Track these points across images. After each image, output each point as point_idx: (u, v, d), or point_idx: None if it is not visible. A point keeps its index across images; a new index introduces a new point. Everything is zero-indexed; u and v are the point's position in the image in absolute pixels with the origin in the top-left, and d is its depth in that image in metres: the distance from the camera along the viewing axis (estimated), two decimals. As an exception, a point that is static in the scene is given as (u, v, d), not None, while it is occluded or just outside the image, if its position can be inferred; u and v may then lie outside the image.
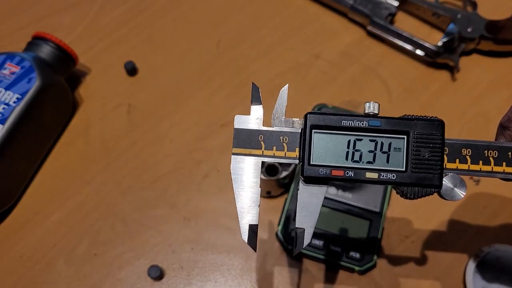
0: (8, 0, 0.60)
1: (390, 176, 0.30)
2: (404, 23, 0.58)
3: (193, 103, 0.54)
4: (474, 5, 0.56)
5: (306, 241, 0.30)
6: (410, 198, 0.31)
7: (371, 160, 0.30)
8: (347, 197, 0.45)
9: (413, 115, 0.31)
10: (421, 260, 0.45)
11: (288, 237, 0.45)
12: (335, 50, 0.56)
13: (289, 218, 0.46)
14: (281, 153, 0.31)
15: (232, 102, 0.53)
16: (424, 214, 0.47)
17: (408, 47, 0.55)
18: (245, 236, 0.31)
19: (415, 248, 0.46)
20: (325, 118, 0.30)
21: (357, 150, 0.30)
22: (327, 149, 0.30)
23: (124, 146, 0.51)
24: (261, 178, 0.44)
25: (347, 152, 0.30)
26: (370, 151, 0.30)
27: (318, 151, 0.30)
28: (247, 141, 0.31)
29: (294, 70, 0.55)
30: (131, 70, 0.55)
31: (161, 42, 0.57)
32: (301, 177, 0.31)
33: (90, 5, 0.60)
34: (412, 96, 0.53)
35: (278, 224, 0.46)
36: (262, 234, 0.47)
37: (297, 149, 0.31)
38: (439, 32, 0.57)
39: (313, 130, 0.30)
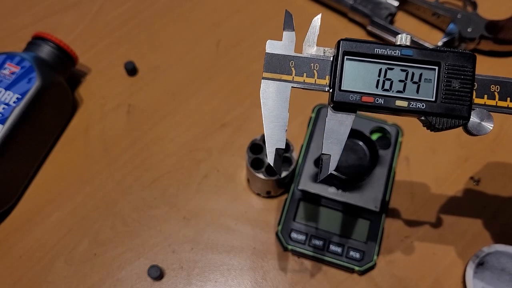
0: (8, 0, 0.60)
1: (420, 105, 0.30)
2: (404, 23, 0.58)
3: (193, 103, 0.54)
4: (474, 5, 0.56)
5: (331, 168, 0.30)
6: (438, 129, 0.30)
7: (401, 90, 0.30)
8: (347, 197, 0.45)
9: (445, 47, 0.31)
10: (421, 260, 0.45)
11: (288, 237, 0.45)
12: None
13: (289, 218, 0.46)
14: (311, 80, 0.31)
15: (232, 102, 0.53)
16: (424, 214, 0.47)
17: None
18: (271, 159, 0.31)
19: (415, 248, 0.46)
20: (358, 45, 0.31)
21: (388, 79, 0.30)
22: (358, 76, 0.30)
23: (124, 146, 0.51)
24: (261, 178, 0.45)
25: (378, 81, 0.30)
26: (401, 81, 0.30)
27: (349, 78, 0.30)
28: (277, 66, 0.31)
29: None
30: (131, 70, 0.55)
31: (161, 42, 0.57)
32: (330, 103, 0.31)
33: (90, 5, 0.60)
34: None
35: (278, 224, 0.46)
36: (262, 234, 0.47)
37: (327, 77, 0.31)
38: (439, 32, 0.57)
39: (345, 57, 0.31)
